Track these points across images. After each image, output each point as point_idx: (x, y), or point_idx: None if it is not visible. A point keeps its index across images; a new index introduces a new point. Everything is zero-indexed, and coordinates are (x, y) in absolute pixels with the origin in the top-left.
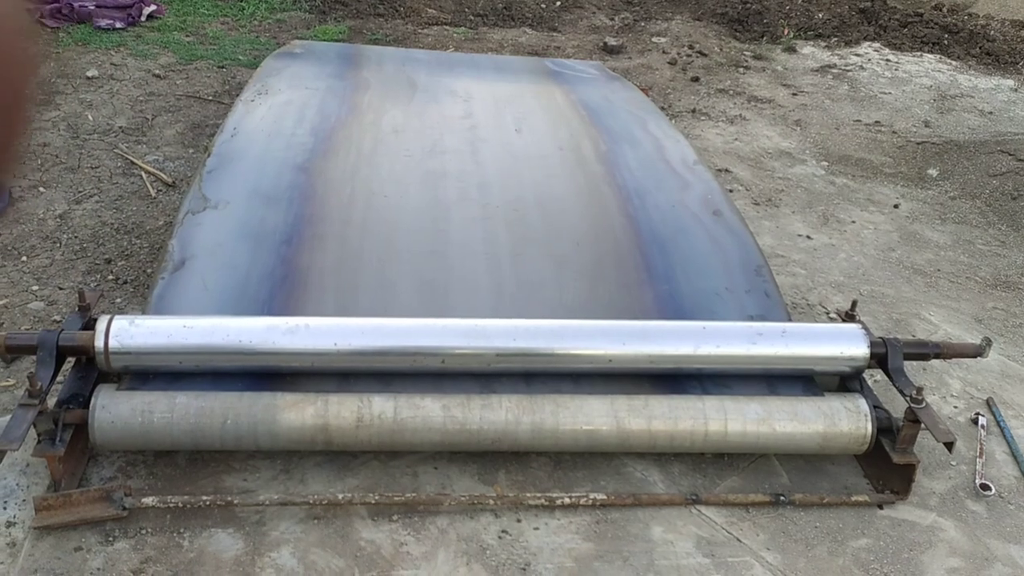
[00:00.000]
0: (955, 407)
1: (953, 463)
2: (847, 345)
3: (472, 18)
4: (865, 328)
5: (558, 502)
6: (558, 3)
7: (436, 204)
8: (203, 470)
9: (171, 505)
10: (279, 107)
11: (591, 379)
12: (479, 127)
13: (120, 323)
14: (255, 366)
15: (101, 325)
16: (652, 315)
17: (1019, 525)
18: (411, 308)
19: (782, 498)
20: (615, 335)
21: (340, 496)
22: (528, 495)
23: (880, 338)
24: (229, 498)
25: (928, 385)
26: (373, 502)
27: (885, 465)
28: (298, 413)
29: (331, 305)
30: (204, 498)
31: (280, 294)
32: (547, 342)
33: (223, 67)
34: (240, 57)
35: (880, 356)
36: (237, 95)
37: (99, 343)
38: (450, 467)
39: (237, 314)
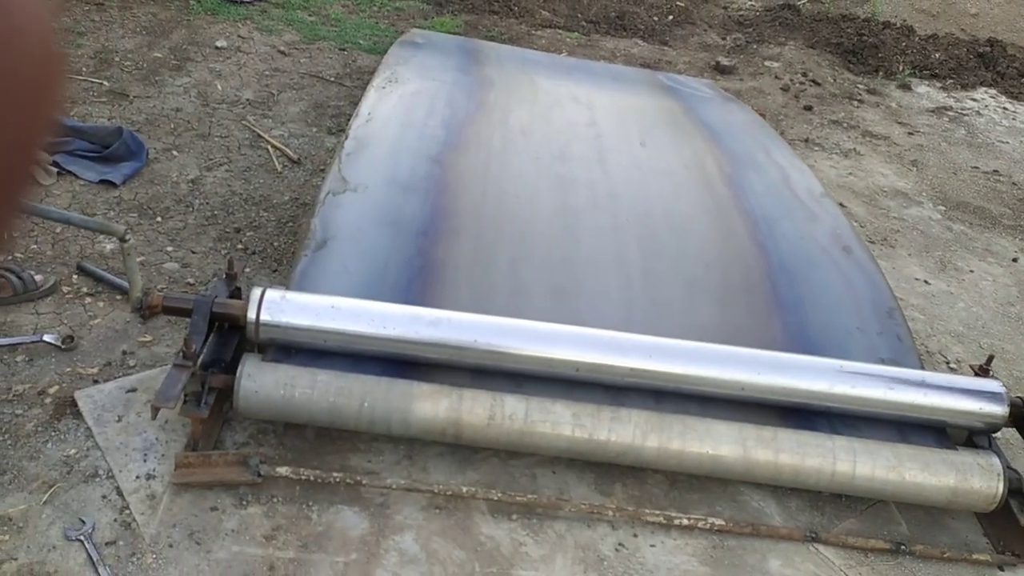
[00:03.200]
0: None
1: None
2: (986, 401)
3: (584, 24)
4: (1004, 385)
5: (676, 522)
6: (670, 17)
7: (566, 210)
8: (330, 446)
9: (303, 477)
10: (410, 96)
11: (719, 404)
12: (604, 136)
13: (272, 296)
14: (396, 352)
15: (255, 296)
16: (781, 346)
17: None
18: (543, 312)
19: (903, 547)
20: (750, 363)
21: (464, 489)
22: (646, 511)
23: (1020, 397)
24: (358, 477)
25: None
26: (495, 499)
27: (1008, 526)
28: (433, 404)
29: (466, 301)
30: (335, 474)
31: (417, 284)
32: (681, 363)
33: (344, 49)
34: (360, 41)
35: (1018, 416)
36: (358, 78)
37: (251, 314)
38: (568, 473)
39: (374, 299)
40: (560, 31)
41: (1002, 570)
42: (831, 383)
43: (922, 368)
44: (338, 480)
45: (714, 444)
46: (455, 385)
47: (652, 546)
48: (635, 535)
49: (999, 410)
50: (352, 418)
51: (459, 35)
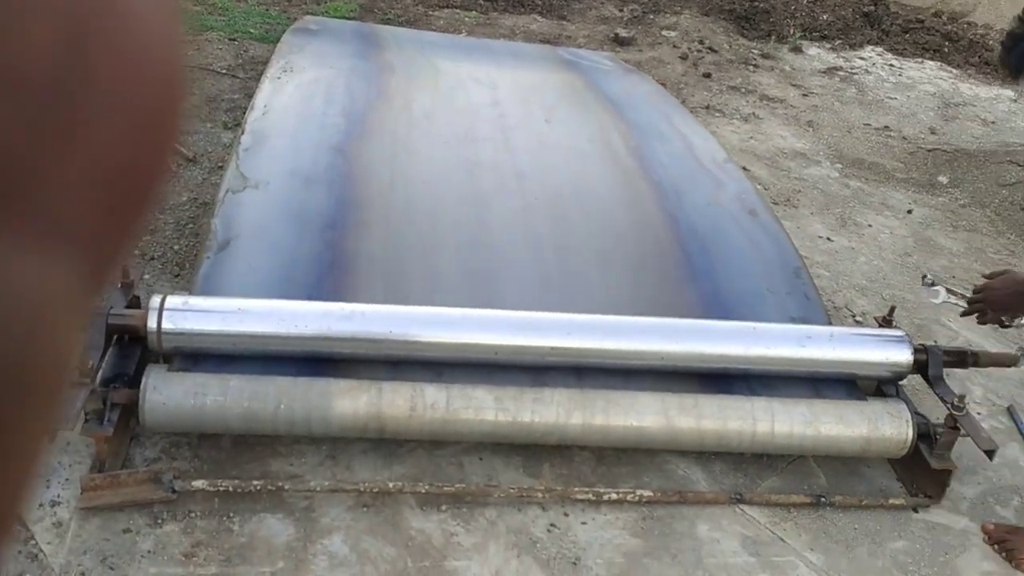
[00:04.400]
0: (978, 413)
1: (982, 469)
2: (891, 351)
3: (482, 2)
4: (907, 335)
5: (605, 497)
6: None
7: (475, 193)
8: (248, 453)
9: (220, 489)
10: (307, 86)
11: (640, 376)
12: (508, 115)
13: (174, 303)
14: (310, 351)
15: (154, 304)
16: (697, 313)
17: None
18: (459, 298)
19: (823, 499)
20: (668, 332)
21: (391, 484)
22: (575, 489)
23: (922, 345)
24: (279, 483)
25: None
26: (423, 491)
27: (920, 469)
28: (352, 400)
29: (380, 292)
30: (254, 483)
31: (329, 279)
32: (600, 338)
33: (234, 39)
34: (251, 30)
35: (921, 363)
36: (252, 69)
37: (152, 323)
38: (495, 458)
39: (284, 297)
40: (458, 10)
41: (916, 511)
42: (747, 346)
43: (829, 324)
44: (259, 488)
45: (638, 416)
46: (374, 379)
47: (583, 523)
48: (566, 514)
49: (904, 358)
50: (269, 422)
51: (354, 19)
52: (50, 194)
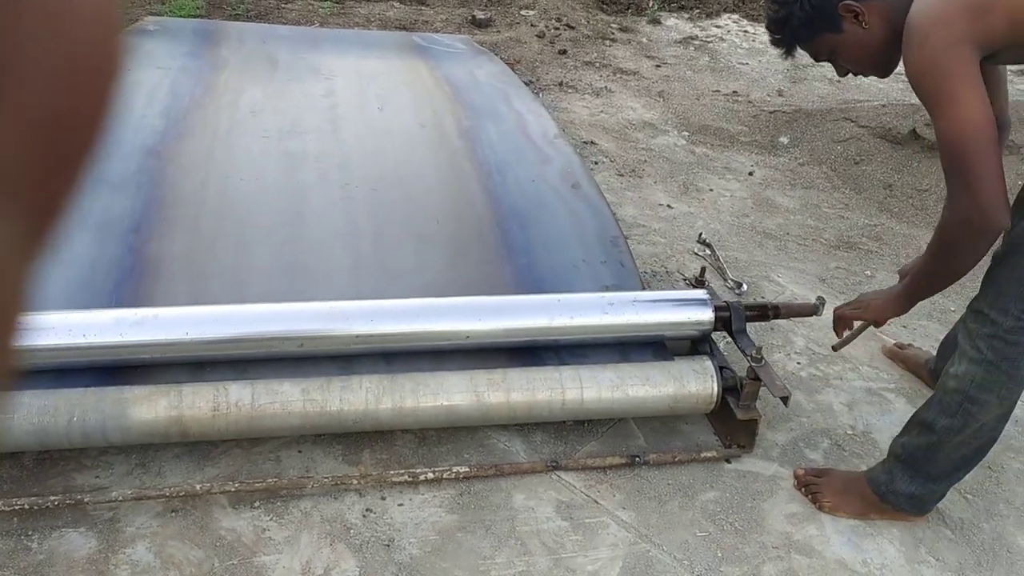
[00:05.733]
0: (798, 363)
1: (796, 416)
2: (694, 310)
3: None
4: (711, 293)
5: (421, 477)
6: None
7: (294, 185)
8: (52, 469)
9: (17, 508)
10: (127, 89)
11: (452, 356)
12: (340, 105)
13: None
14: (104, 360)
15: None
16: (511, 289)
17: (852, 469)
18: (269, 293)
19: (637, 459)
20: (471, 311)
21: (198, 487)
22: (392, 472)
23: (724, 302)
24: (80, 496)
25: (774, 343)
26: (233, 490)
27: (732, 422)
28: (150, 406)
29: (185, 294)
30: (52, 498)
31: (128, 284)
32: (405, 321)
33: None
34: None
35: (725, 319)
36: None
37: None
38: (314, 449)
39: (80, 307)
40: (312, 1)
41: (729, 462)
42: (550, 317)
43: (642, 287)
44: (58, 503)
45: (447, 396)
46: (175, 383)
47: (400, 505)
48: (383, 498)
49: (706, 316)
50: (62, 436)
51: (200, 17)
52: None
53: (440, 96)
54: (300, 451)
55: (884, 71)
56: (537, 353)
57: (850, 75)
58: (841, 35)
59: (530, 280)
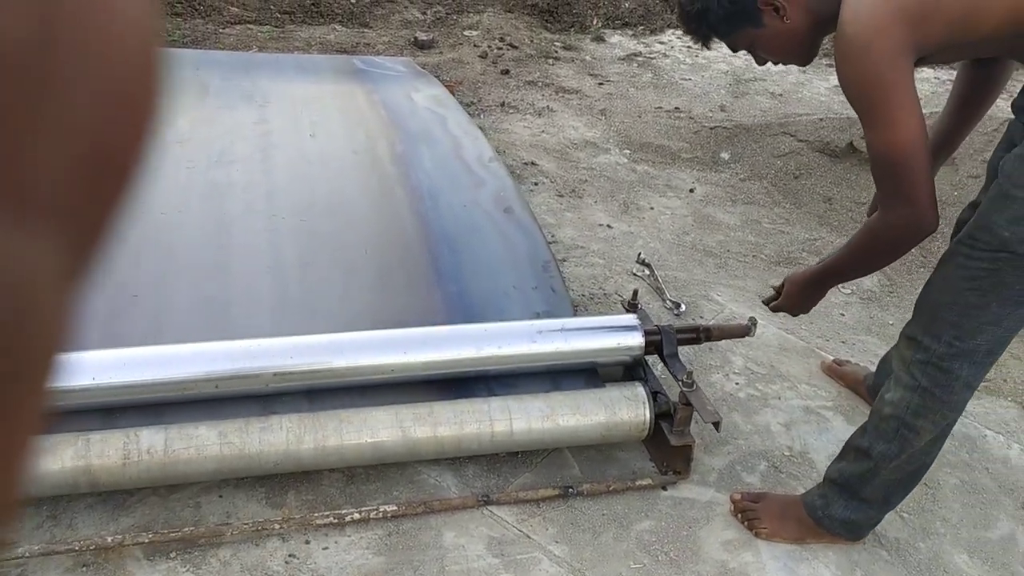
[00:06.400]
0: (736, 383)
1: (733, 438)
2: (624, 336)
3: (278, 15)
4: (642, 317)
5: (348, 518)
6: None
7: (219, 217)
8: None
9: None
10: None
11: (377, 391)
12: (272, 133)
13: None
14: None
15: None
16: (441, 318)
17: (789, 491)
18: (188, 332)
19: (571, 490)
20: (395, 344)
21: (110, 539)
22: (316, 515)
23: (655, 326)
24: None
25: (713, 363)
26: (147, 541)
27: (667, 447)
28: (56, 457)
29: (97, 337)
30: None
31: None
32: (326, 357)
33: None
34: None
35: (656, 344)
36: None
37: None
38: (236, 493)
39: None
40: (251, 26)
41: (665, 489)
42: (478, 348)
43: (574, 314)
44: None
45: (372, 432)
46: (83, 431)
47: (325, 548)
48: (307, 541)
49: (636, 341)
50: None
51: None
52: (28, 170)
53: (375, 121)
54: (221, 495)
55: (805, 61)
56: (466, 385)
57: (792, 89)
58: (761, 29)
59: (460, 308)
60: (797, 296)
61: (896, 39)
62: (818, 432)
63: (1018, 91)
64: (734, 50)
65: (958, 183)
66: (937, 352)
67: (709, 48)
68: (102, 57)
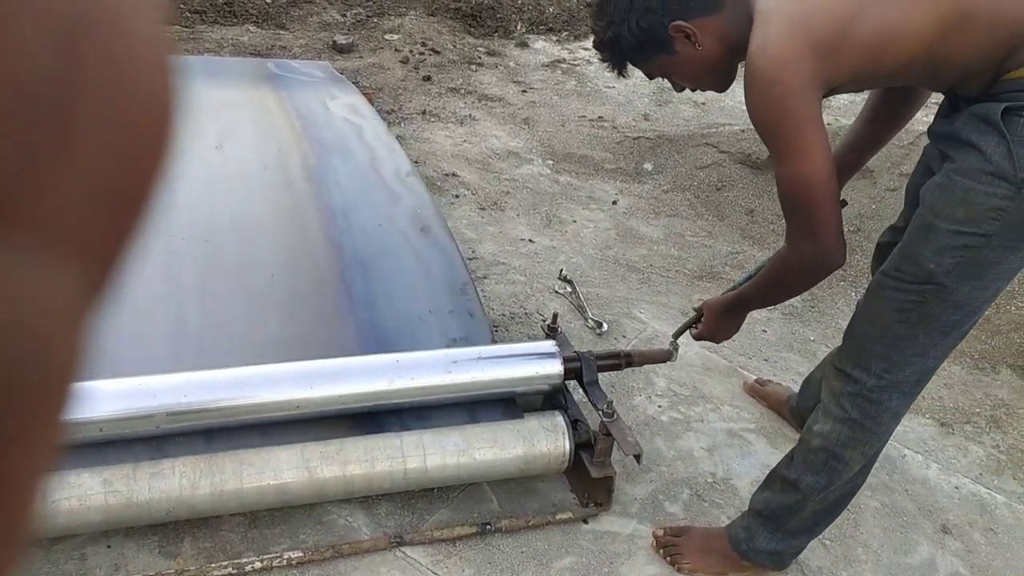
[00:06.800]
0: (659, 406)
1: (656, 465)
2: (542, 364)
3: (188, 15)
4: (562, 342)
5: (248, 567)
6: None
7: None
8: None
9: None
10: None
11: (282, 428)
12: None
13: None
14: None
15: None
16: (352, 347)
17: (712, 522)
18: None
19: (488, 527)
20: (301, 378)
21: None
22: (214, 565)
23: (575, 353)
24: None
25: (635, 385)
26: None
27: (588, 479)
28: None
29: None
30: None
31: None
32: (225, 393)
33: None
34: None
35: (576, 371)
36: None
37: None
38: (126, 543)
39: None
40: None
41: (586, 522)
42: (390, 380)
43: (493, 339)
44: None
45: (275, 474)
46: None
47: None
48: None
49: (555, 369)
50: None
51: None
52: (47, 201)
53: (288, 131)
54: (109, 545)
55: (722, 87)
56: (377, 419)
57: (715, 97)
58: (674, 56)
59: (373, 336)
60: (715, 323)
61: (804, 71)
62: (741, 456)
63: (934, 114)
64: (650, 77)
65: (876, 196)
66: (867, 384)
67: (625, 76)
68: (125, 86)
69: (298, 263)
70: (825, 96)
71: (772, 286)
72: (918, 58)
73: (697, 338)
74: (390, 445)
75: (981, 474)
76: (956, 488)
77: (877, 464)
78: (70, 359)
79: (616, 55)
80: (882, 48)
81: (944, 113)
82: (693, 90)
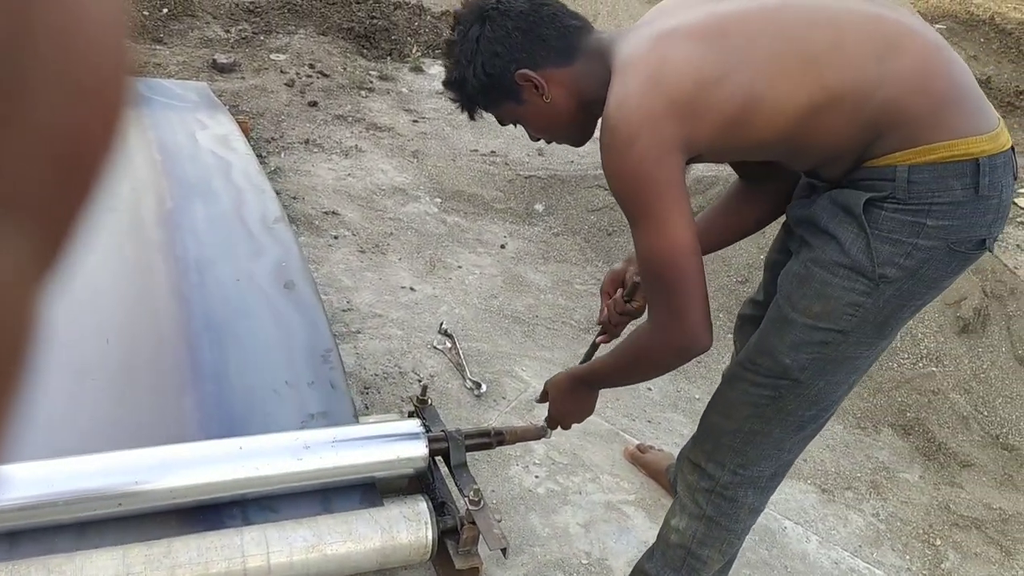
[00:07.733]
0: (536, 476)
1: (529, 545)
2: (405, 445)
3: None
4: (431, 417)
5: None
6: (165, 10)
7: None
8: None
9: None
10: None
11: (101, 526)
12: None
13: None
14: None
15: None
16: (192, 427)
17: None
18: None
19: None
20: (123, 471)
21: None
22: None
23: (442, 432)
24: None
25: (513, 453)
26: None
27: (454, 569)
28: None
29: None
30: None
31: None
32: (33, 490)
33: None
34: None
35: (443, 451)
36: None
37: None
38: None
39: None
40: None
41: None
42: (232, 469)
43: (354, 415)
44: None
45: None
46: None
47: None
48: None
49: (419, 452)
50: None
51: None
52: (1, 169)
53: (146, 167)
54: None
55: (578, 142)
56: (215, 512)
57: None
58: (522, 105)
59: (217, 415)
60: (562, 403)
61: (664, 134)
62: (618, 533)
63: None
64: (502, 123)
65: (765, 246)
66: (722, 481)
67: (474, 119)
68: (75, 56)
69: (139, 328)
70: (688, 163)
71: (628, 367)
72: (781, 133)
73: (550, 424)
74: (228, 544)
75: (860, 546)
76: (835, 563)
77: (756, 538)
78: (23, 329)
79: (463, 97)
80: (743, 118)
81: (803, 194)
82: (548, 142)
